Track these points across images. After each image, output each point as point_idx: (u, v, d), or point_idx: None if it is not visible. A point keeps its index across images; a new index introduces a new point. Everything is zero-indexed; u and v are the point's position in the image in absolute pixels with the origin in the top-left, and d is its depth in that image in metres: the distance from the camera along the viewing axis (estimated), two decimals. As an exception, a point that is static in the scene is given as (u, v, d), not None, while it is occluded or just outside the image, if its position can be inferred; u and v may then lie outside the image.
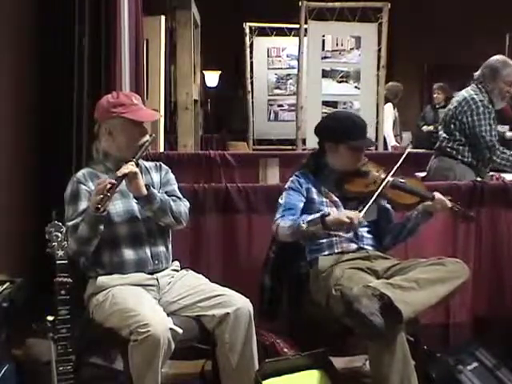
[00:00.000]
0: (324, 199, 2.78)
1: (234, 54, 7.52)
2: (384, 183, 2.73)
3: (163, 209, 2.49)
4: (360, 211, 2.58)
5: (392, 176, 2.78)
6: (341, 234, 2.70)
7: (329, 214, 2.57)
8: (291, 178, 2.83)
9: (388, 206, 2.87)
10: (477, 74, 3.83)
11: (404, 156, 2.83)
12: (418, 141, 7.86)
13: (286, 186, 2.81)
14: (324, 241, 2.73)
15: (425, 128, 7.71)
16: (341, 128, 2.79)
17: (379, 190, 2.70)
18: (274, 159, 4.53)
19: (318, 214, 2.59)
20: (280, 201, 2.77)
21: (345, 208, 2.77)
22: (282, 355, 2.66)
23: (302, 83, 5.69)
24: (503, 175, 3.84)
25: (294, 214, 2.69)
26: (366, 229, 2.79)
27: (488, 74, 3.77)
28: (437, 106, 7.71)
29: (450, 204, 2.71)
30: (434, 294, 2.43)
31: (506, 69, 3.76)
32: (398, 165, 2.80)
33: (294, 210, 2.71)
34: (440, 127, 4.10)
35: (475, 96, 3.77)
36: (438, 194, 2.73)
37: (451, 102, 4.01)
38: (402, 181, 2.81)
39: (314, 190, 2.79)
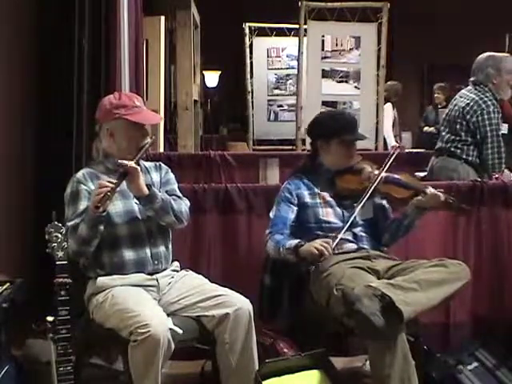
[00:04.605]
0: (318, 200, 2.80)
1: (233, 54, 7.51)
2: (377, 181, 2.75)
3: (165, 208, 2.49)
4: (334, 238, 2.59)
5: (385, 172, 2.79)
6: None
7: (303, 244, 2.58)
8: (282, 187, 2.85)
9: (384, 203, 2.88)
10: (477, 76, 3.88)
11: (396, 153, 2.86)
12: (419, 141, 7.88)
13: (277, 197, 2.83)
14: None
15: (426, 129, 7.71)
16: (330, 125, 2.83)
17: (371, 188, 2.72)
18: (274, 159, 4.52)
19: (294, 243, 2.61)
20: (271, 214, 2.81)
21: (339, 206, 2.80)
22: (282, 355, 2.67)
23: (302, 83, 5.69)
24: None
25: (282, 229, 2.72)
26: (363, 228, 2.80)
27: (492, 72, 3.84)
28: (439, 106, 7.70)
29: (443, 197, 2.71)
30: (435, 296, 2.43)
31: (504, 61, 3.88)
32: (390, 160, 2.82)
33: (282, 224, 2.74)
34: (442, 128, 4.10)
35: (483, 96, 3.82)
36: (430, 188, 2.74)
37: (453, 103, 4.02)
38: (396, 176, 2.83)
39: (306, 193, 2.81)
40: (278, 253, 2.66)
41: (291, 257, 2.62)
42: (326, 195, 2.81)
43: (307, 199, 2.80)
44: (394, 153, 2.86)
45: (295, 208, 2.79)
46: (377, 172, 2.81)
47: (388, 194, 2.82)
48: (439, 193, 2.72)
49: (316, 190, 2.82)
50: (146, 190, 2.44)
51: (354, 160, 2.86)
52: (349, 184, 2.80)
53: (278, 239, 2.69)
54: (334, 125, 2.82)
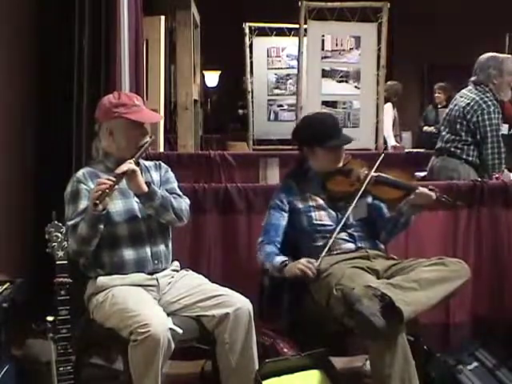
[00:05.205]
0: (310, 204, 2.81)
1: (233, 53, 7.51)
2: (366, 183, 2.75)
3: (164, 205, 2.49)
4: (317, 259, 2.61)
5: (375, 172, 2.79)
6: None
7: (287, 264, 2.62)
8: (273, 194, 2.86)
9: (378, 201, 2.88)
10: (478, 76, 3.88)
11: (383, 153, 2.87)
12: (419, 141, 7.87)
13: (269, 205, 2.85)
14: (320, 243, 2.74)
15: (425, 129, 7.69)
16: (312, 132, 2.82)
17: (362, 189, 2.72)
18: (274, 159, 4.53)
19: (279, 262, 2.64)
20: (263, 222, 2.82)
21: (332, 209, 2.79)
22: (282, 355, 2.66)
23: (302, 83, 5.68)
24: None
25: (274, 237, 2.75)
26: (359, 228, 2.80)
27: (494, 73, 3.85)
28: (439, 106, 7.69)
29: (434, 196, 2.71)
30: (435, 295, 2.43)
31: (505, 62, 3.89)
32: (379, 161, 2.82)
33: (273, 232, 2.77)
34: (442, 127, 4.10)
35: (483, 96, 3.83)
36: (420, 188, 2.73)
37: (453, 103, 4.02)
38: (385, 176, 2.82)
39: (297, 198, 2.82)
40: (266, 267, 2.70)
41: (277, 274, 2.66)
42: (318, 198, 2.81)
43: (299, 204, 2.81)
44: (382, 153, 2.88)
45: (286, 215, 2.80)
46: (367, 172, 2.81)
47: (379, 195, 2.81)
48: (431, 192, 2.71)
49: (307, 195, 2.83)
50: (145, 188, 2.44)
51: (344, 161, 2.85)
52: (339, 186, 2.81)
53: (269, 252, 2.72)
54: (316, 132, 2.80)
